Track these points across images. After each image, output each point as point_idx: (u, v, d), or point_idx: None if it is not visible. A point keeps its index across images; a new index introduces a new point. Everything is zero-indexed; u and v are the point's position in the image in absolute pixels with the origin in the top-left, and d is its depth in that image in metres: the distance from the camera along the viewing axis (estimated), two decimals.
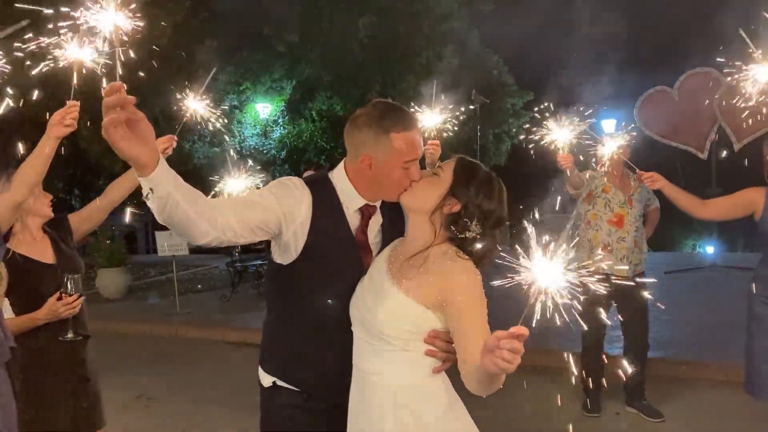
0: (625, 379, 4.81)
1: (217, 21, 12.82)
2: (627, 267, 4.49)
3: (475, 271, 1.81)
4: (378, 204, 2.07)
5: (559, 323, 1.33)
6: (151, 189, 1.59)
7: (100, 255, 10.58)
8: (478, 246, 1.82)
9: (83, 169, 13.56)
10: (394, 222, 2.07)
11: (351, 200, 2.02)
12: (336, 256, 1.99)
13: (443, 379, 1.92)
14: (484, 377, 1.57)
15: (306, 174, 2.14)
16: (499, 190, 1.92)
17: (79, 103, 2.44)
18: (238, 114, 15.61)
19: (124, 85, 1.47)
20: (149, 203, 1.63)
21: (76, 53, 2.22)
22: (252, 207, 1.89)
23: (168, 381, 6.12)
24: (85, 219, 3.10)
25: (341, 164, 2.07)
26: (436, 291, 1.77)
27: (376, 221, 2.08)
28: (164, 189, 1.60)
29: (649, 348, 4.78)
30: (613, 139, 3.84)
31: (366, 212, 2.05)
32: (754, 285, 3.55)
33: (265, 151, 16.09)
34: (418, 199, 1.92)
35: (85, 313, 2.93)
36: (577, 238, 4.73)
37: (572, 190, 4.62)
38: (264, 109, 15.52)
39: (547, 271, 1.28)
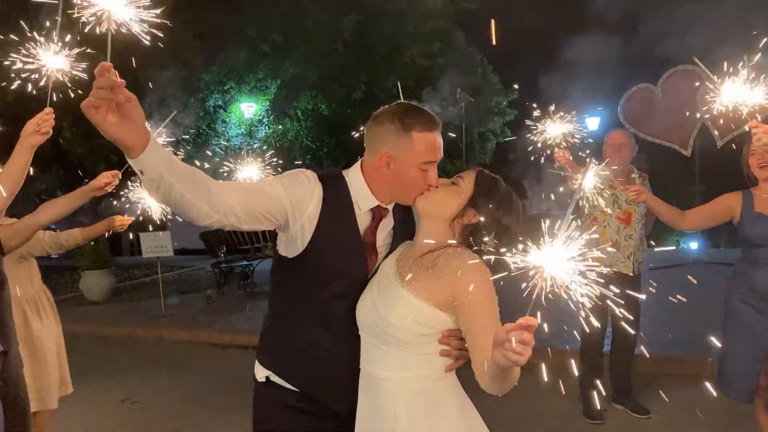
0: (612, 375, 4.83)
1: (200, 20, 12.73)
2: (631, 264, 4.50)
3: (485, 269, 1.79)
4: (390, 207, 2.06)
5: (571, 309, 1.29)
6: (141, 171, 1.57)
7: (84, 257, 10.47)
8: (491, 254, 1.82)
9: (66, 170, 13.43)
10: (405, 227, 2.05)
11: (364, 200, 2.00)
12: (340, 253, 1.97)
13: (455, 383, 1.91)
14: (497, 373, 1.56)
15: None
16: (518, 206, 1.93)
17: (52, 110, 2.42)
18: (223, 114, 15.53)
19: (112, 66, 1.43)
20: (142, 183, 1.62)
21: (50, 60, 2.19)
22: (259, 194, 1.86)
23: (153, 383, 6.06)
24: (12, 235, 3.13)
25: (358, 163, 2.05)
26: (447, 291, 1.76)
27: (386, 224, 2.06)
28: (155, 171, 1.57)
29: (636, 344, 4.80)
30: (593, 172, 3.70)
31: (377, 213, 2.03)
32: (731, 280, 3.58)
33: (250, 151, 16.02)
34: (436, 205, 1.92)
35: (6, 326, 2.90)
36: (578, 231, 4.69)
37: (574, 185, 4.59)
38: (249, 108, 15.45)
39: (552, 259, 1.25)
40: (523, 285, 1.30)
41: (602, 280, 1.30)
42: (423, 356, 1.84)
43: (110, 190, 3.15)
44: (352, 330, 1.96)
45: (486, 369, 1.61)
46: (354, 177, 2.01)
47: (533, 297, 1.27)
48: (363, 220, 2.01)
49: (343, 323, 1.97)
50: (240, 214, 1.79)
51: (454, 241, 1.88)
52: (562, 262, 1.25)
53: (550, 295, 1.26)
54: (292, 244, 1.97)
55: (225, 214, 1.75)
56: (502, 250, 1.79)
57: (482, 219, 1.86)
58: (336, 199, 1.97)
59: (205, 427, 4.91)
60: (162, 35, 1.79)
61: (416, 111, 1.94)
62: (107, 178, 3.10)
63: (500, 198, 1.89)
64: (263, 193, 1.87)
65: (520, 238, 1.85)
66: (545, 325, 1.32)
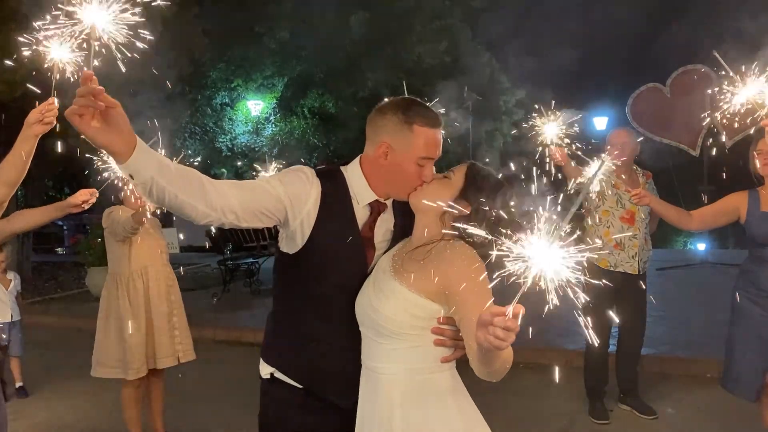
0: (618, 375, 4.82)
1: (208, 17, 12.75)
2: (636, 264, 4.49)
3: (476, 258, 1.79)
4: (389, 203, 2.07)
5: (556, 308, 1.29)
6: (130, 175, 1.59)
7: (90, 253, 10.49)
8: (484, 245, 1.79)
9: (74, 167, 13.46)
10: (406, 226, 2.05)
11: (362, 194, 2.01)
12: (339, 248, 1.98)
13: (453, 377, 1.92)
14: (481, 355, 1.56)
15: None
16: (510, 197, 1.90)
17: (56, 100, 2.42)
18: (230, 111, 15.55)
19: (93, 75, 1.47)
20: (134, 187, 1.64)
21: (57, 51, 2.19)
22: (257, 192, 1.88)
23: None
24: None
25: (357, 158, 2.07)
26: (438, 282, 1.77)
27: (385, 220, 2.07)
28: (145, 174, 1.59)
29: (642, 345, 4.79)
30: (600, 165, 3.71)
31: (376, 208, 2.04)
32: (738, 279, 3.58)
33: (256, 149, 16.03)
34: (428, 199, 1.93)
35: None
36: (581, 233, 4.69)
37: (578, 180, 4.58)
38: (256, 106, 15.46)
39: (545, 255, 1.25)
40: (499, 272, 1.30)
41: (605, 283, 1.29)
42: (418, 348, 1.85)
43: (87, 208, 3.20)
44: (353, 324, 1.97)
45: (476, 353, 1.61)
46: (353, 171, 2.03)
47: (522, 287, 1.27)
48: (361, 215, 2.02)
49: (343, 317, 1.99)
50: (238, 211, 1.81)
51: (447, 233, 1.87)
52: (554, 258, 1.24)
53: (537, 287, 1.25)
54: (292, 240, 2.00)
55: (223, 212, 1.77)
56: (492, 239, 1.77)
57: (473, 210, 1.86)
58: (334, 194, 1.99)
59: (210, 424, 4.92)
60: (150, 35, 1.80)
61: (420, 106, 1.96)
62: (84, 196, 3.15)
63: (491, 190, 1.89)
64: (262, 190, 1.89)
65: (512, 230, 1.81)
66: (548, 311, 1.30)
